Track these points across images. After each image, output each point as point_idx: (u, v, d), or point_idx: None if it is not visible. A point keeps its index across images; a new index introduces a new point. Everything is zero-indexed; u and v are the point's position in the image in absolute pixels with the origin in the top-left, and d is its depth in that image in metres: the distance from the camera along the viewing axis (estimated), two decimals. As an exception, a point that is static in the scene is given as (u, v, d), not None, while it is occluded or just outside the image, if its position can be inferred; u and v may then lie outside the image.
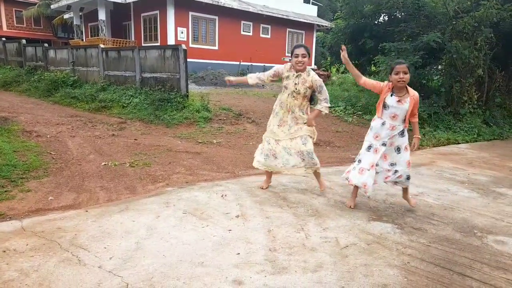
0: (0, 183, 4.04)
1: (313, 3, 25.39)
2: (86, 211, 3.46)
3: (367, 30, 12.81)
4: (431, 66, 12.10)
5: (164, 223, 3.21)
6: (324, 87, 3.99)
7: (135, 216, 3.35)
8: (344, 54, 3.67)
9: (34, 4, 26.47)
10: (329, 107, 4.06)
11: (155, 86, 9.93)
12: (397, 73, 3.45)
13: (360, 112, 10.05)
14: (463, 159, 6.57)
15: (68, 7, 19.31)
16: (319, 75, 17.00)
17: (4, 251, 2.62)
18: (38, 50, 15.06)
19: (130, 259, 2.58)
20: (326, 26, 21.64)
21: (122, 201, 3.79)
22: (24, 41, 16.31)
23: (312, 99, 4.12)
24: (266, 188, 4.32)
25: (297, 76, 3.95)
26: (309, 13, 22.68)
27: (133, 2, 16.82)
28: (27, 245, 2.73)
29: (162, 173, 4.82)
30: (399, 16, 12.02)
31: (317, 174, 4.23)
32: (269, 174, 4.38)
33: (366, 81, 3.75)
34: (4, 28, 28.23)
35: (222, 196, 3.98)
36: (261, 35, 19.70)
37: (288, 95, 3.99)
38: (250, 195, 4.03)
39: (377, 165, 3.63)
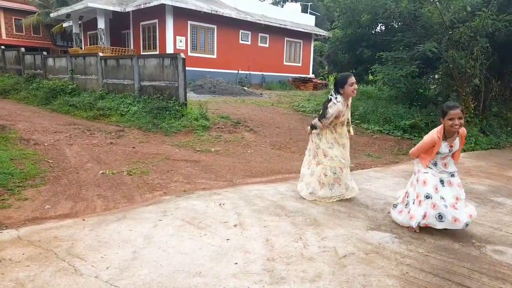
0: (-4, 192, 4.02)
1: (311, 13, 25.67)
2: (83, 220, 3.44)
3: (364, 39, 12.94)
4: (427, 76, 12.22)
5: (161, 232, 3.19)
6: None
7: (133, 225, 3.33)
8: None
9: (34, 12, 26.60)
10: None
11: (153, 94, 9.95)
12: (451, 119, 3.29)
13: (358, 121, 10.09)
14: (460, 168, 6.56)
15: (68, 16, 19.42)
16: (317, 84, 17.06)
17: (0, 261, 2.60)
18: (37, 58, 15.10)
19: (127, 269, 2.56)
20: (323, 35, 21.82)
21: (119, 210, 3.77)
22: (23, 49, 16.36)
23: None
24: None
25: (346, 105, 4.20)
26: (307, 22, 22.89)
27: (132, 11, 16.94)
28: (23, 254, 2.71)
29: (160, 182, 4.81)
30: (396, 26, 12.15)
31: None
32: None
33: (420, 149, 3.55)
34: (3, 36, 28.32)
35: (220, 205, 3.96)
36: (260, 44, 19.84)
37: (342, 125, 4.25)
38: (248, 204, 4.02)
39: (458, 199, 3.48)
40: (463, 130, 3.46)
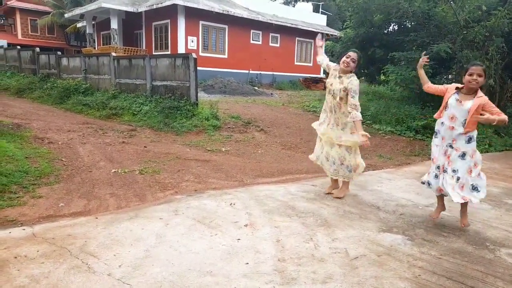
0: (12, 189, 4.11)
1: (322, 12, 25.54)
2: (96, 218, 3.49)
3: (377, 39, 12.81)
4: (441, 76, 12.03)
5: (173, 231, 3.21)
6: (357, 95, 4.05)
7: (145, 223, 3.36)
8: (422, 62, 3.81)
9: (48, 13, 27.07)
10: (359, 116, 3.99)
11: (165, 94, 10.03)
12: (470, 74, 3.32)
13: (369, 121, 10.00)
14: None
15: (81, 16, 19.72)
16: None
17: (16, 257, 2.65)
18: (51, 58, 15.35)
19: (139, 267, 2.59)
20: (335, 35, 21.68)
21: (131, 209, 3.81)
22: (38, 49, 16.65)
23: None
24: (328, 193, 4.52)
25: (338, 77, 4.16)
26: (318, 22, 22.79)
27: (144, 11, 17.12)
28: (38, 251, 2.76)
29: (171, 181, 4.84)
30: (409, 26, 12.01)
31: (345, 182, 4.46)
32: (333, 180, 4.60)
33: (430, 86, 3.81)
34: (19, 36, 28.90)
35: (230, 204, 3.98)
36: (271, 44, 19.83)
37: (329, 93, 4.26)
38: (259, 204, 4.02)
39: (445, 171, 3.52)
40: (483, 97, 3.33)
